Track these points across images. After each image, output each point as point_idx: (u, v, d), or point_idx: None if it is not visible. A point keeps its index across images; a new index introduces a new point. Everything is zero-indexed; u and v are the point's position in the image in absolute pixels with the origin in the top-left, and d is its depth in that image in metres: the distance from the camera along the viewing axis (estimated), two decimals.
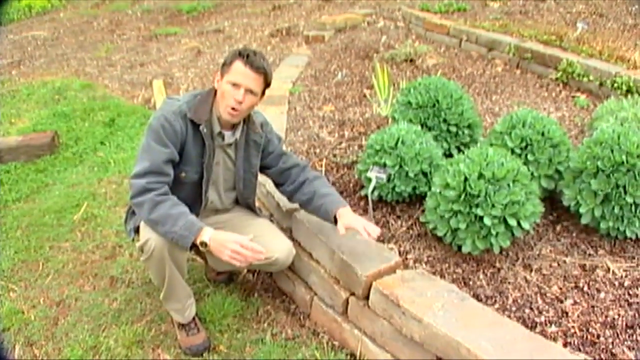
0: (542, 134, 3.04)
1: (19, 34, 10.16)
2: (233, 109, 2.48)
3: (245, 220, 2.84)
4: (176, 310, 2.72)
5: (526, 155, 3.03)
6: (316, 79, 5.99)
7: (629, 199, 2.69)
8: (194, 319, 2.76)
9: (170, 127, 2.45)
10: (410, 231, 2.97)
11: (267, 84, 2.57)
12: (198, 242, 2.35)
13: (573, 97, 5.28)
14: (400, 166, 3.04)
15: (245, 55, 2.45)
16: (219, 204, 2.83)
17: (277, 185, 2.91)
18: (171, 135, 2.46)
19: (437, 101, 3.51)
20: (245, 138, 2.70)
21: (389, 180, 3.03)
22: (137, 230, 2.60)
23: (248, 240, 2.36)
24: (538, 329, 2.32)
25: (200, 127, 2.51)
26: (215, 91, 2.58)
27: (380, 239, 2.86)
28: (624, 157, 2.70)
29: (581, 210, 2.83)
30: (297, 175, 2.81)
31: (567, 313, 2.39)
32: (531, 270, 2.66)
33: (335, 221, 2.60)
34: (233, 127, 2.66)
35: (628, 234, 2.78)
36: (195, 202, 2.65)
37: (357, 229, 2.48)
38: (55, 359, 2.71)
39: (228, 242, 2.32)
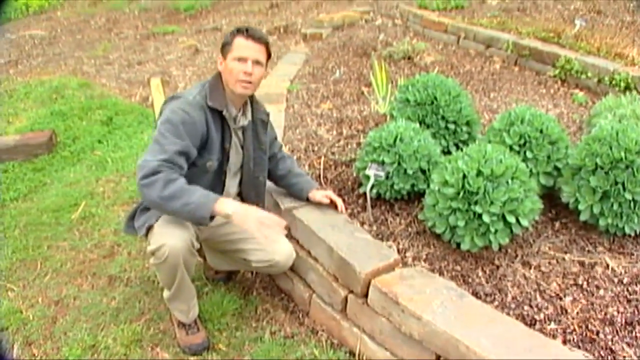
0: (541, 131, 3.04)
1: (16, 33, 10.13)
2: (245, 81, 2.55)
3: None
4: (181, 310, 2.71)
5: (525, 152, 3.03)
6: (314, 76, 5.98)
7: (628, 196, 2.69)
8: (195, 318, 2.76)
9: (191, 120, 2.47)
10: (409, 229, 2.97)
11: (269, 55, 2.65)
12: (222, 211, 2.36)
13: (571, 94, 5.28)
14: (399, 164, 3.03)
15: (245, 30, 2.56)
16: (227, 187, 2.82)
17: None
18: (191, 129, 2.47)
19: (435, 98, 3.50)
20: (253, 118, 2.77)
21: (387, 177, 3.02)
22: (149, 229, 2.55)
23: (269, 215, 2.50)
24: (537, 326, 2.32)
25: (224, 112, 2.57)
26: (220, 76, 2.63)
27: (379, 237, 2.86)
28: (622, 153, 2.70)
29: (580, 207, 2.83)
30: (277, 154, 3.05)
31: (566, 310, 2.39)
32: (530, 268, 2.66)
33: (307, 199, 2.97)
34: (243, 109, 2.72)
35: (627, 230, 2.78)
36: (214, 190, 2.65)
37: (326, 202, 2.94)
38: (54, 358, 2.70)
39: (253, 212, 2.44)
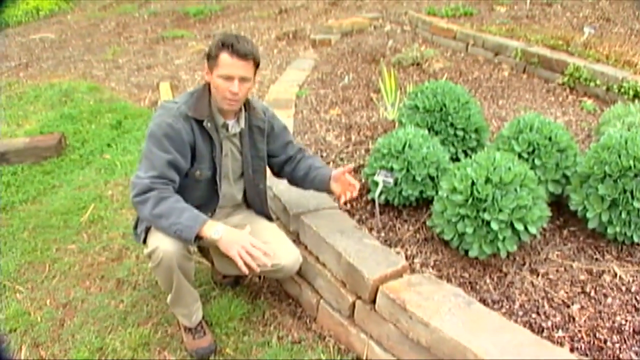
0: (549, 139, 3.04)
1: (26, 36, 10.20)
2: (231, 99, 2.50)
3: (253, 224, 2.80)
4: (183, 315, 2.73)
5: (533, 159, 3.03)
6: (323, 82, 5.99)
7: (636, 204, 2.69)
8: (200, 322, 2.77)
9: (175, 132, 2.47)
10: (417, 235, 2.97)
11: (257, 66, 2.55)
12: (208, 235, 2.36)
13: (580, 101, 5.27)
14: (407, 170, 3.03)
15: (230, 45, 2.42)
16: (230, 195, 2.82)
17: (278, 171, 2.98)
18: (176, 141, 2.47)
19: (444, 105, 3.51)
20: (249, 125, 2.73)
21: (395, 184, 3.02)
22: (147, 232, 2.58)
23: (259, 241, 2.41)
24: (545, 333, 2.31)
25: (204, 123, 2.53)
26: (209, 84, 2.58)
27: (388, 243, 2.87)
28: (631, 162, 2.69)
29: (588, 215, 2.82)
30: (296, 156, 2.95)
31: (574, 318, 2.39)
32: (538, 275, 2.66)
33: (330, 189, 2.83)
34: (235, 116, 2.68)
35: (635, 239, 2.77)
36: (211, 199, 2.70)
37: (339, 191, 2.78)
38: None
39: (241, 239, 2.38)
